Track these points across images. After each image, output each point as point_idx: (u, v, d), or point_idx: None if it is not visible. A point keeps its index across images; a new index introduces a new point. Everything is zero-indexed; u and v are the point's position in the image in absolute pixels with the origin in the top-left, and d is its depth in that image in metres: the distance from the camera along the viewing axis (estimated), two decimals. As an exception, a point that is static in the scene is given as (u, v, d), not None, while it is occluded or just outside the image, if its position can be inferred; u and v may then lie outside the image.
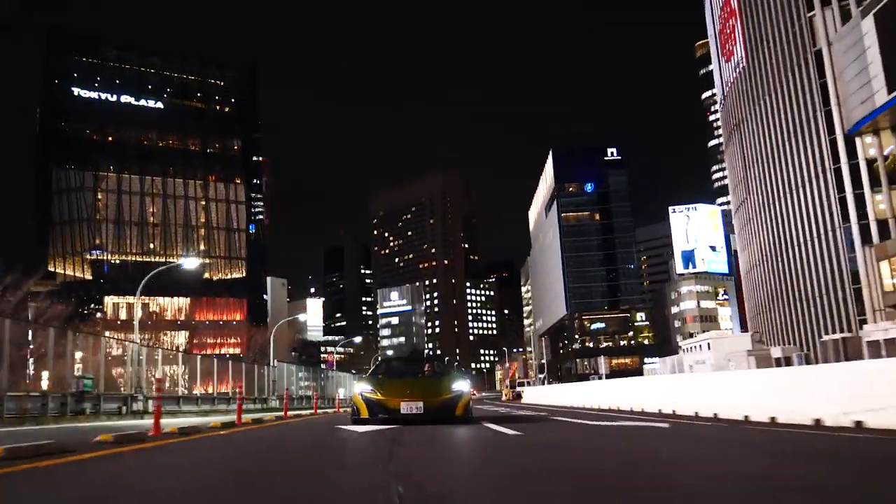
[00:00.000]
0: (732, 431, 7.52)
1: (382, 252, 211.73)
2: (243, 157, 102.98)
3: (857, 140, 46.92)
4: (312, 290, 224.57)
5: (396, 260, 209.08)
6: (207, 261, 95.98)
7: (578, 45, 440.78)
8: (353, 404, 10.46)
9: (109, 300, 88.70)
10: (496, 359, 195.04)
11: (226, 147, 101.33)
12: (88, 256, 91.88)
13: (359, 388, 10.47)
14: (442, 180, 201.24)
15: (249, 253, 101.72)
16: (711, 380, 14.10)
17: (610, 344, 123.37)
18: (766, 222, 57.46)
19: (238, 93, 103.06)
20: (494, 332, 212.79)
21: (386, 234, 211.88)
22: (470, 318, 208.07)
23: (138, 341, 27.25)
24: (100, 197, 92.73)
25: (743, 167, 61.21)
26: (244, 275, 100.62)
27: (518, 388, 45.30)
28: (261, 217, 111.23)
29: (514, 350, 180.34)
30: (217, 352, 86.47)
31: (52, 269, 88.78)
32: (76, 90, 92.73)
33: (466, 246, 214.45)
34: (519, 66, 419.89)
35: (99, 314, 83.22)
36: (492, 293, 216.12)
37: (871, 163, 46.47)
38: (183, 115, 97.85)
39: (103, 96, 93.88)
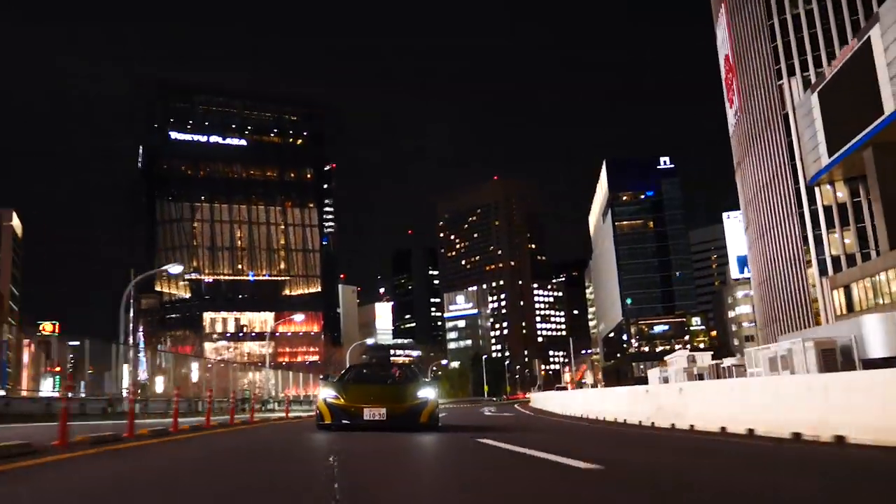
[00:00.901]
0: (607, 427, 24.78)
1: (449, 254, 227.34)
2: (315, 183, 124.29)
3: (817, 189, 61.55)
4: (382, 289, 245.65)
5: (463, 262, 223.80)
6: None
7: (612, 55, 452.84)
8: (318, 409, 11.22)
9: (207, 315, 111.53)
10: (566, 360, 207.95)
11: (300, 175, 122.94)
12: (188, 277, 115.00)
13: (323, 394, 11.16)
14: (505, 183, 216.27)
15: (323, 270, 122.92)
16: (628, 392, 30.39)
17: (666, 348, 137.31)
18: (761, 249, 72.41)
19: (309, 126, 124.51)
20: (564, 332, 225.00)
21: (452, 237, 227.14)
22: (538, 319, 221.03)
23: (268, 366, 46.60)
24: (195, 225, 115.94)
25: (744, 199, 76.21)
26: (319, 290, 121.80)
27: (530, 394, 62.39)
28: (331, 227, 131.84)
29: (583, 351, 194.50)
30: (298, 360, 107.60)
31: (159, 290, 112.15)
32: (173, 134, 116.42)
33: (533, 247, 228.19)
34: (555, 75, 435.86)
35: (212, 342, 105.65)
36: (560, 293, 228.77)
37: (827, 209, 61.13)
38: (262, 150, 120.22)
39: (195, 138, 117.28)
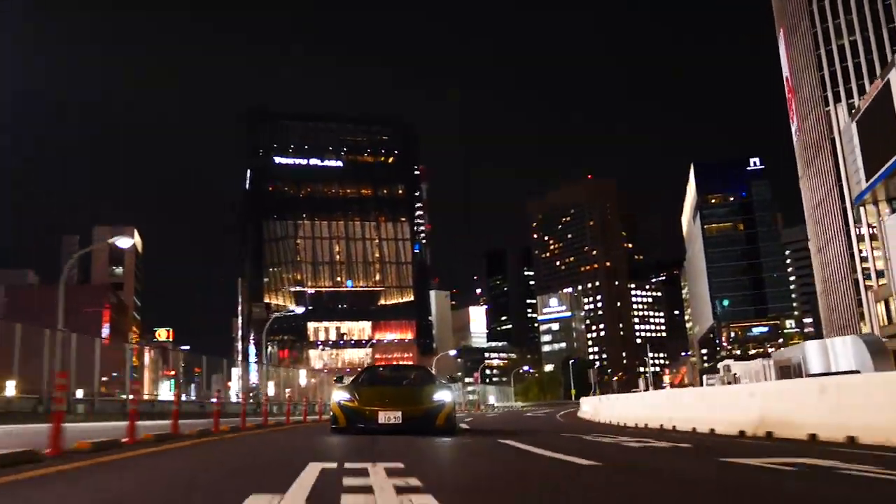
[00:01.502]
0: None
1: (543, 256, 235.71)
2: (407, 198, 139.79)
3: (862, 209, 69.96)
4: (479, 290, 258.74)
5: (557, 263, 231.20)
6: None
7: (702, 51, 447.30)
8: (332, 412, 11.72)
9: (311, 325, 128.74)
10: (667, 361, 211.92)
11: (392, 191, 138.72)
12: (292, 290, 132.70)
13: (337, 397, 11.59)
14: (598, 182, 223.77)
15: (415, 280, 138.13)
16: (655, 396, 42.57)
17: (759, 350, 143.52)
18: (820, 261, 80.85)
19: (399, 145, 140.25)
20: (664, 333, 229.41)
21: (546, 238, 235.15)
22: (636, 320, 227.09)
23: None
24: (299, 242, 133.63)
25: (806, 212, 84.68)
26: (412, 299, 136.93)
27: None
28: (422, 234, 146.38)
29: (682, 353, 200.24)
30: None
31: (267, 301, 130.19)
32: (276, 158, 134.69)
33: (629, 246, 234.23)
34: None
35: (315, 350, 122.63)
36: (659, 294, 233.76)
37: (872, 226, 69.50)
38: (357, 169, 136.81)
39: (296, 161, 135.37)
